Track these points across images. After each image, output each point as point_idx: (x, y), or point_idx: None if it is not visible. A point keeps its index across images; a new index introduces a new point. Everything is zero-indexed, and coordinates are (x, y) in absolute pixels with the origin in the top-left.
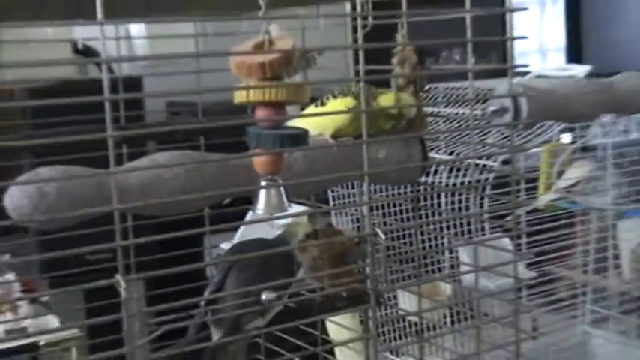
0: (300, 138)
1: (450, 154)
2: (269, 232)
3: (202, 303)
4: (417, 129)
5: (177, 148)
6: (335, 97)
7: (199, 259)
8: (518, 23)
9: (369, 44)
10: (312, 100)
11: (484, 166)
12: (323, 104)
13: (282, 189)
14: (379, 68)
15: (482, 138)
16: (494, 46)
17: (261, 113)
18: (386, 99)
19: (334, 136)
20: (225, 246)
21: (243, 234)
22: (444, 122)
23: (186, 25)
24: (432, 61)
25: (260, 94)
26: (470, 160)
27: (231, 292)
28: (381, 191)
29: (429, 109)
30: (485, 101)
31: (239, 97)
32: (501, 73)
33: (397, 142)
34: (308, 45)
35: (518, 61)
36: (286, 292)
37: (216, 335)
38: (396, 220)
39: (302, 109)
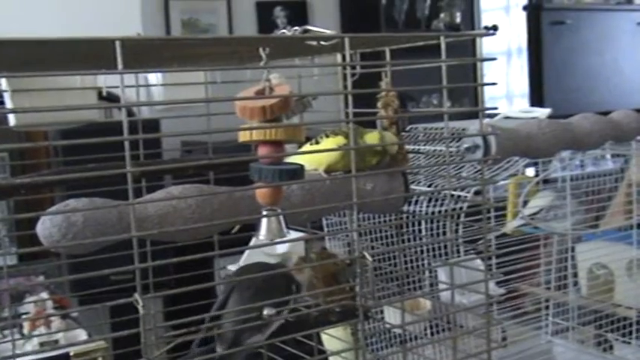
0: (297, 172)
1: (429, 185)
2: (268, 257)
3: (207, 319)
4: (399, 164)
5: (189, 181)
6: (327, 136)
7: (210, 279)
8: (488, 72)
9: (356, 90)
10: (308, 139)
11: (459, 196)
12: (317, 142)
13: (281, 217)
14: (366, 111)
15: (457, 172)
16: (467, 91)
17: (262, 151)
18: (372, 137)
19: (327, 171)
20: (233, 267)
21: (247, 257)
22: (424, 158)
23: (198, 74)
24: (413, 104)
25: (262, 134)
26: (446, 191)
27: (233, 309)
28: (368, 219)
29: (410, 147)
30: (459, 140)
31: (243, 136)
32: (473, 115)
33: (382, 175)
34: (304, 91)
35: (487, 104)
36: (286, 308)
37: (220, 349)
38: (381, 244)
39: (299, 147)
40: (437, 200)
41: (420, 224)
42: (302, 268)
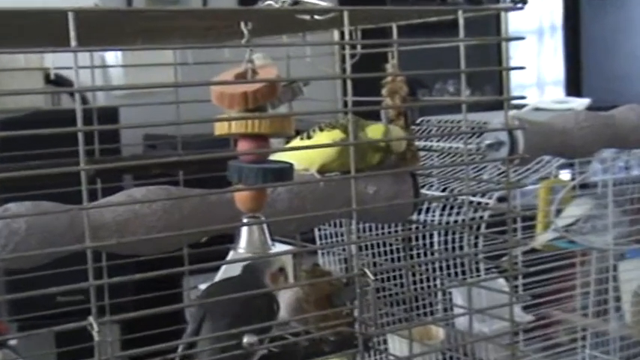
0: (284, 172)
1: (443, 190)
2: None
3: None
4: (407, 163)
5: (154, 182)
6: (322, 129)
7: (178, 300)
8: (516, 55)
9: (357, 74)
10: (298, 132)
11: (479, 203)
12: (309, 137)
13: (265, 226)
14: (368, 99)
15: (477, 174)
16: (490, 77)
17: (243, 146)
18: (374, 131)
19: (321, 171)
20: (205, 287)
21: (224, 274)
22: (437, 157)
23: (165, 53)
24: (425, 92)
25: (242, 126)
26: (464, 197)
27: (207, 336)
28: (370, 229)
29: (420, 143)
30: (480, 135)
31: (220, 129)
32: (497, 106)
33: (387, 177)
34: (293, 75)
35: (514, 93)
36: (269, 335)
37: None
38: (385, 260)
39: (287, 142)
40: (452, 208)
41: (432, 236)
42: (288, 287)
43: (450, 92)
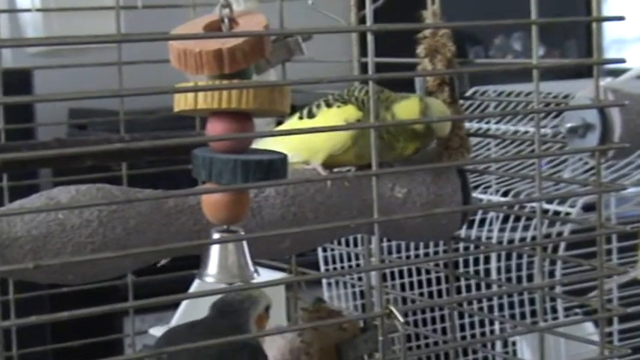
0: (274, 167)
1: (505, 194)
2: None
3: None
4: (454, 156)
5: (86, 180)
6: (329, 105)
7: (117, 351)
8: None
9: (382, 25)
10: (295, 109)
11: (556, 213)
12: (311, 116)
13: (245, 245)
14: (397, 62)
15: (554, 170)
16: (573, 31)
17: (215, 128)
18: (406, 109)
19: (328, 165)
20: (157, 333)
21: (185, 314)
22: (496, 145)
23: None
24: (479, 51)
25: (215, 100)
26: (535, 204)
27: None
28: (399, 251)
29: (472, 125)
30: (558, 115)
31: (182, 103)
32: (584, 72)
33: (424, 175)
34: (289, 25)
35: (608, 53)
36: None
37: None
38: (421, 294)
39: (279, 123)
40: (518, 219)
41: (488, 261)
42: (280, 333)
43: (515, 52)
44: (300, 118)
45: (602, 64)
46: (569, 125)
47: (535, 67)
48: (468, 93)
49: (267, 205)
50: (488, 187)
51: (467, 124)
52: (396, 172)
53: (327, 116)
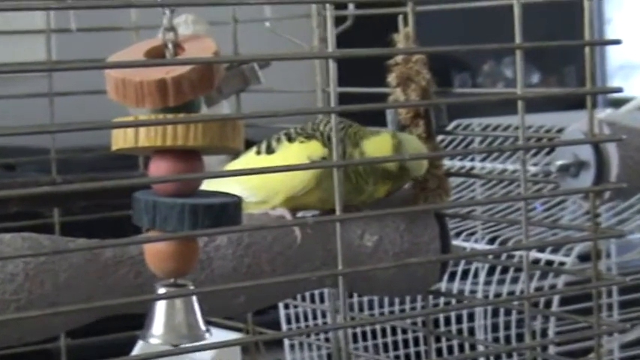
0: (226, 211)
1: (492, 241)
2: None
3: None
4: (431, 197)
5: (11, 229)
6: (291, 139)
7: None
8: (617, 17)
9: (345, 51)
10: (251, 144)
11: (549, 263)
12: (270, 151)
13: (194, 301)
14: (365, 92)
15: (549, 214)
16: (573, 56)
17: (160, 169)
18: (376, 145)
19: (289, 208)
20: None
21: None
22: (482, 186)
23: (31, 15)
24: (466, 79)
25: (158, 136)
26: (522, 253)
27: None
28: (371, 307)
29: (454, 164)
30: (550, 151)
31: (122, 140)
32: (578, 103)
33: (397, 220)
34: (245, 51)
35: (616, 81)
36: None
37: None
38: (397, 357)
39: (232, 160)
40: (505, 271)
41: (472, 318)
42: None
43: (506, 79)
44: (258, 153)
45: (596, 94)
46: (559, 163)
47: (520, 97)
48: (449, 127)
49: (219, 256)
50: (472, 233)
51: (448, 163)
52: (364, 217)
53: (288, 152)
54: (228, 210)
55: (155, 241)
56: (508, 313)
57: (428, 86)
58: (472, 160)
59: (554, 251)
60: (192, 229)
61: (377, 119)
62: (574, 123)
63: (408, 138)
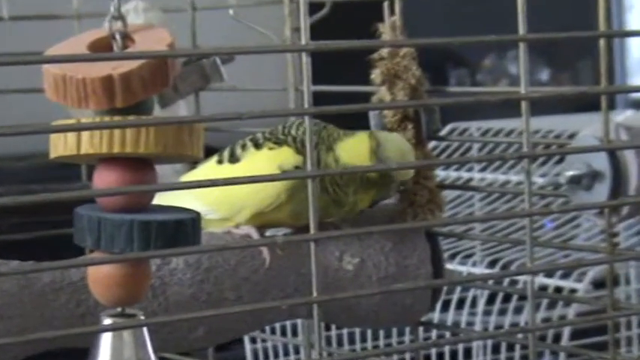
0: (182, 229)
1: (492, 264)
2: None
3: None
4: (421, 213)
5: None
6: (258, 145)
7: None
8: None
9: (320, 43)
10: (212, 151)
11: (558, 289)
12: (234, 160)
13: (145, 333)
14: (344, 91)
15: (556, 234)
16: (589, 50)
17: (105, 180)
18: (352, 149)
19: (256, 226)
20: None
21: None
22: (482, 200)
23: None
24: (464, 75)
25: (104, 142)
26: (527, 278)
27: None
28: (352, 340)
29: (449, 174)
30: (560, 160)
31: (61, 147)
32: (593, 104)
33: (382, 239)
34: (205, 43)
35: (635, 79)
36: None
37: None
38: None
39: (191, 169)
40: (508, 299)
41: (469, 353)
42: None
43: (510, 76)
44: (220, 162)
45: (613, 94)
46: (570, 174)
47: (524, 97)
48: (443, 131)
49: (175, 281)
50: (470, 255)
51: (441, 173)
52: (344, 236)
53: (255, 161)
54: (184, 228)
55: (100, 263)
56: (511, 348)
57: (418, 84)
58: (470, 170)
59: (565, 276)
60: (143, 249)
61: (358, 122)
62: (587, 127)
63: (389, 138)
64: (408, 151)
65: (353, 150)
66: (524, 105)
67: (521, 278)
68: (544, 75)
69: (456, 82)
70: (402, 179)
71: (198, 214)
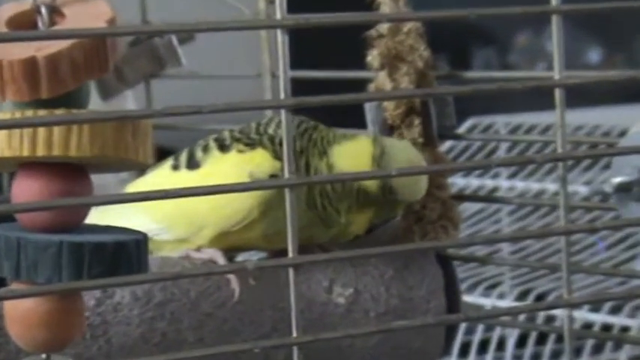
0: (125, 254)
1: (523, 295)
2: None
3: None
4: (432, 232)
5: None
6: (224, 148)
7: None
8: None
9: (300, 17)
10: (165, 154)
11: (607, 327)
12: (193, 165)
13: None
14: (334, 78)
15: (609, 255)
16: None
17: (26, 191)
18: (350, 155)
19: (222, 249)
20: None
21: None
22: (510, 215)
23: None
24: (491, 56)
25: (25, 144)
26: (564, 313)
27: None
28: None
29: (469, 182)
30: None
31: None
32: None
33: (381, 265)
34: (157, 18)
35: None
36: None
37: None
38: None
39: (139, 177)
40: (543, 339)
41: None
42: None
43: (550, 56)
44: (175, 168)
45: None
46: (618, 180)
47: (558, 84)
48: (462, 128)
49: (118, 320)
50: (495, 285)
51: (459, 181)
52: (333, 261)
53: (220, 167)
54: (127, 251)
55: (19, 297)
56: None
57: (427, 68)
58: (496, 176)
59: (615, 311)
60: (75, 279)
61: (351, 118)
62: (638, 123)
63: (397, 146)
64: (418, 162)
65: (351, 156)
66: (558, 93)
67: (559, 313)
68: (593, 57)
69: (481, 65)
70: (409, 199)
71: (145, 234)
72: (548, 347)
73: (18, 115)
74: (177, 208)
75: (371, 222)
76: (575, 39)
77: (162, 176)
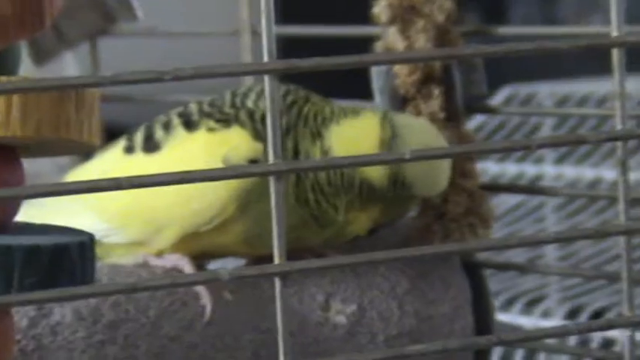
0: (66, 259)
1: (573, 314)
2: None
3: None
4: (456, 231)
5: None
6: (191, 125)
7: None
8: None
9: None
10: (116, 134)
11: None
12: (151, 147)
13: None
14: (330, 35)
15: None
16: None
17: None
18: (352, 135)
19: (188, 254)
20: None
21: None
22: (556, 210)
23: None
24: (531, 8)
25: None
26: (623, 335)
27: None
28: None
29: (504, 169)
30: None
31: None
32: None
33: (392, 274)
34: None
35: None
36: None
37: None
38: None
39: (83, 163)
40: None
41: None
42: None
43: (607, 9)
44: (129, 150)
45: None
46: None
47: (615, 43)
48: (495, 99)
49: (58, 344)
50: (538, 300)
51: (491, 167)
52: (329, 269)
53: (186, 150)
54: (70, 257)
55: None
56: None
57: (448, 23)
58: (539, 161)
59: None
60: (3, 292)
61: (353, 86)
62: None
63: (413, 124)
64: (437, 143)
65: (352, 140)
66: (616, 55)
67: (619, 335)
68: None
69: (520, 18)
70: (426, 193)
71: (91, 236)
72: None
73: None
74: (132, 203)
75: (377, 221)
76: None
77: (112, 161)
